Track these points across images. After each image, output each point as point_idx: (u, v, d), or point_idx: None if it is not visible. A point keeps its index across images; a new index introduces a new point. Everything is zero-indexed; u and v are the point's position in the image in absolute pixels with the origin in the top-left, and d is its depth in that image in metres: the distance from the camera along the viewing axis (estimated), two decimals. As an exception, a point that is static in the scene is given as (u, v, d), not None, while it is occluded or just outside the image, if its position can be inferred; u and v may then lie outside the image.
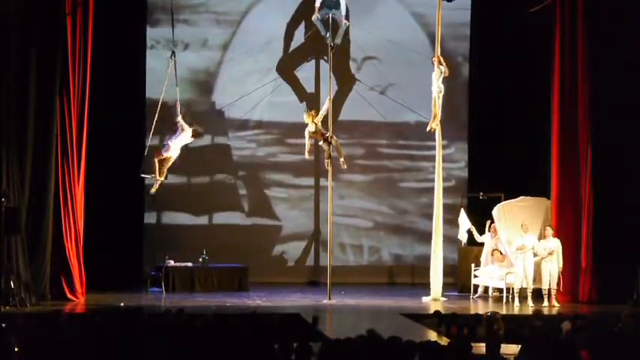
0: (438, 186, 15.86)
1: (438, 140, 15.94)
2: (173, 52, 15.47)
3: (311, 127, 15.53)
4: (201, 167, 18.11)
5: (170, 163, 15.42)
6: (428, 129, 15.92)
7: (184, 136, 15.39)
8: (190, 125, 15.48)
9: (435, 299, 15.52)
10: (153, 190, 15.50)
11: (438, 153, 15.92)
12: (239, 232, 18.21)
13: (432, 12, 16.85)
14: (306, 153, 15.85)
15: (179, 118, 15.40)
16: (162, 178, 15.37)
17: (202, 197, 18.13)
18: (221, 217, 18.25)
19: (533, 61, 17.03)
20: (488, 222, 16.22)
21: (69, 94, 14.65)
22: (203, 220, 18.12)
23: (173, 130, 15.51)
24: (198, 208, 18.12)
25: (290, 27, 18.31)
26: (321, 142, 15.80)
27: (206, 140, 18.07)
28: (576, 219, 15.51)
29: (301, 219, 18.48)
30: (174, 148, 15.30)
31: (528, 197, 16.16)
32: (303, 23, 18.17)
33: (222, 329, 9.10)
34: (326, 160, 15.72)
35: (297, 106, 17.93)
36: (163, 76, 15.49)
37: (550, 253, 15.09)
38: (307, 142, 15.68)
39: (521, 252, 15.23)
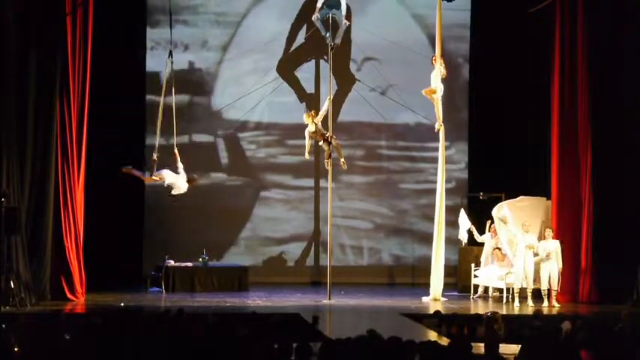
0: (442, 186, 15.81)
1: (442, 141, 15.90)
2: (170, 53, 15.50)
3: (311, 128, 15.52)
4: (201, 169, 18.10)
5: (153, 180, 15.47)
6: (436, 129, 15.90)
7: (179, 179, 15.34)
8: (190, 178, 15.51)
9: (435, 299, 15.51)
10: (125, 169, 15.32)
11: (442, 154, 15.88)
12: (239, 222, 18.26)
13: (432, 13, 16.86)
14: (306, 153, 15.84)
15: (180, 167, 15.38)
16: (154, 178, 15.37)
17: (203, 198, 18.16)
18: (219, 216, 18.28)
19: (533, 61, 17.04)
20: (489, 222, 16.23)
21: (69, 94, 14.65)
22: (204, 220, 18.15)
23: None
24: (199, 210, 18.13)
25: (290, 27, 18.31)
26: (321, 143, 15.78)
27: (206, 142, 18.10)
28: (576, 219, 15.50)
29: (301, 220, 18.48)
30: (167, 175, 15.26)
31: (528, 197, 16.17)
32: (303, 23, 18.17)
33: (222, 329, 9.10)
34: (326, 160, 15.71)
35: (297, 107, 17.96)
36: (163, 77, 15.51)
37: (547, 255, 15.09)
38: (307, 142, 15.66)
39: (530, 249, 15.21)
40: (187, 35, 18.08)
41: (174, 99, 15.46)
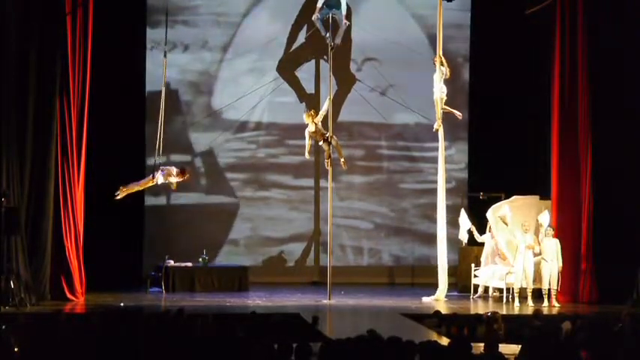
0: (443, 188, 15.77)
1: (441, 141, 15.88)
2: (165, 53, 15.58)
3: (311, 127, 15.53)
4: (200, 169, 18.12)
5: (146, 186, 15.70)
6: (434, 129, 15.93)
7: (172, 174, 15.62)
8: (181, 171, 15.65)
9: (436, 299, 15.50)
10: (119, 195, 15.47)
11: (441, 154, 15.86)
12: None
13: (432, 13, 16.86)
14: (307, 153, 15.85)
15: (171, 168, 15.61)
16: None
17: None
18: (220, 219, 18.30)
19: (533, 62, 17.03)
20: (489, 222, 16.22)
21: (69, 94, 14.64)
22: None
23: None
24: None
25: (290, 27, 18.31)
26: (321, 143, 15.79)
27: (206, 142, 18.09)
28: (576, 219, 15.50)
29: (301, 220, 18.48)
30: (159, 176, 15.48)
31: (520, 197, 16.19)
32: (303, 23, 18.16)
33: (222, 329, 9.10)
34: (326, 161, 15.73)
35: (297, 107, 17.96)
36: (161, 77, 15.57)
37: (538, 254, 15.11)
38: (307, 142, 15.67)
39: (530, 249, 15.21)
40: (187, 35, 18.07)
41: (164, 100, 15.52)
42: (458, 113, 15.96)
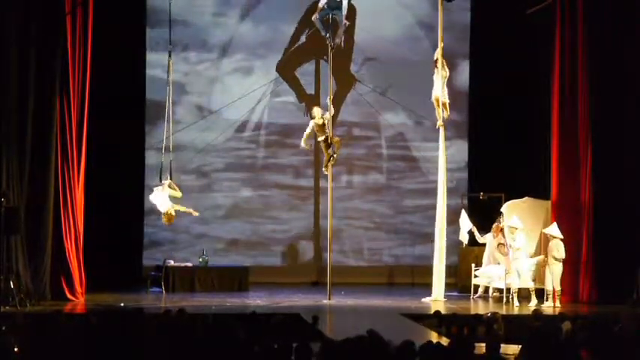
0: (444, 187, 15.75)
1: (442, 141, 15.83)
2: (169, 54, 15.59)
3: (318, 121, 15.57)
4: (200, 168, 18.13)
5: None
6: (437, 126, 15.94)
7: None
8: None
9: (435, 300, 15.49)
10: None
11: (442, 153, 15.82)
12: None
13: (432, 13, 16.87)
14: (302, 141, 15.84)
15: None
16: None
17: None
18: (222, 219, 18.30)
19: (533, 61, 17.03)
20: (495, 225, 16.12)
21: (69, 94, 14.64)
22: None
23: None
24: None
25: (290, 27, 18.31)
26: (320, 139, 15.79)
27: (206, 142, 18.08)
28: (576, 219, 15.50)
29: (301, 220, 18.48)
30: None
31: (531, 198, 16.16)
32: (303, 24, 18.17)
33: (222, 329, 9.09)
34: (324, 167, 15.83)
35: (297, 107, 17.98)
36: (162, 77, 15.54)
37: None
38: (307, 131, 15.70)
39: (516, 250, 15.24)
40: (187, 35, 18.07)
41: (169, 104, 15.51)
42: (440, 122, 15.88)
